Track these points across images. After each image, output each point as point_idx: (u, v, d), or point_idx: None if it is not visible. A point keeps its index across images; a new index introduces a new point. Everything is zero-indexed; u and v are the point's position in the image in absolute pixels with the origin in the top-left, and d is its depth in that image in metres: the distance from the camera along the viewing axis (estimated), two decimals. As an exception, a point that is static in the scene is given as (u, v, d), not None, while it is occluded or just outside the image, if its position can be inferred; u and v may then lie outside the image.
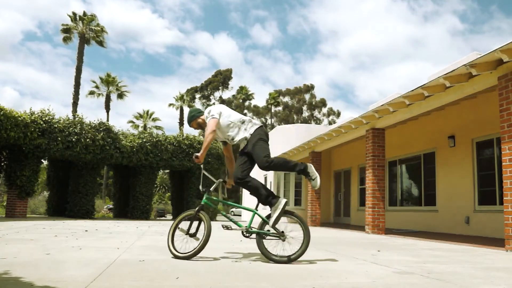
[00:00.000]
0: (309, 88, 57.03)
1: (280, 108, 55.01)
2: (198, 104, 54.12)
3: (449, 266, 3.87)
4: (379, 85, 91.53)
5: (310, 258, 4.30)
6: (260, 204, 4.02)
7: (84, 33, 32.81)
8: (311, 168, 4.04)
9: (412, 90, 7.47)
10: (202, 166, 4.44)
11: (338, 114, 56.27)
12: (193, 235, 3.98)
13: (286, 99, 56.57)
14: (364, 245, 6.08)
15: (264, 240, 3.89)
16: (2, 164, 13.71)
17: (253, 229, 3.91)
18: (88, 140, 14.08)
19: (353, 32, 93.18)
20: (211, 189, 4.19)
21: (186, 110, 48.81)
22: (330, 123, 52.15)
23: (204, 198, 4.13)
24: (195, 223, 4.04)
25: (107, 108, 38.18)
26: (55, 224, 9.66)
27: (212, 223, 4.36)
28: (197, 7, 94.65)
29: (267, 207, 4.03)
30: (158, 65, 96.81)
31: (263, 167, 4.01)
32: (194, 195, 16.50)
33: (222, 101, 55.48)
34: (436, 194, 10.86)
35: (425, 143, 11.47)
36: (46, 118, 13.70)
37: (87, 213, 14.63)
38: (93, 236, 6.52)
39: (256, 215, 4.00)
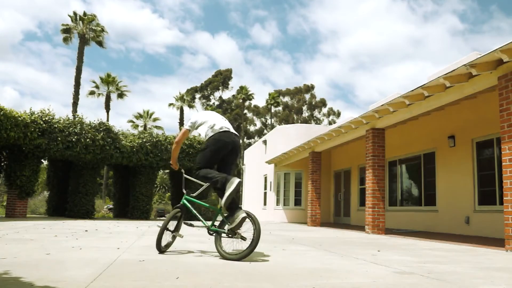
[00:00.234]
0: (309, 88, 57.03)
1: (280, 108, 55.00)
2: (198, 104, 54.16)
3: (449, 266, 3.87)
4: (379, 85, 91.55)
5: (310, 258, 4.30)
6: (224, 203, 4.06)
7: (84, 33, 32.82)
8: (232, 185, 4.01)
9: (412, 90, 7.47)
10: (182, 170, 4.77)
11: (338, 114, 56.29)
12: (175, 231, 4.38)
13: (286, 99, 56.57)
14: (364, 245, 6.08)
15: (222, 238, 4.11)
16: (2, 164, 13.72)
17: (213, 228, 4.15)
18: (88, 140, 14.08)
19: (353, 32, 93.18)
20: (196, 193, 4.46)
21: (186, 110, 48.85)
22: (330, 123, 52.15)
23: (183, 198, 4.44)
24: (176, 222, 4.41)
25: (107, 108, 38.18)
26: (55, 224, 9.66)
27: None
28: (197, 7, 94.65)
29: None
30: (158, 65, 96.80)
31: (195, 175, 4.36)
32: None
33: (222, 101, 55.48)
34: (436, 194, 10.86)
35: (425, 143, 11.48)
36: (46, 118, 13.71)
37: (87, 213, 14.64)
38: (93, 236, 6.52)
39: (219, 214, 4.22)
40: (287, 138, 18.32)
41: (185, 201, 4.43)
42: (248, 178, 24.67)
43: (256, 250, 4.67)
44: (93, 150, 14.23)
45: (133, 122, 44.49)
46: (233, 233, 3.99)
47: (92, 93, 37.99)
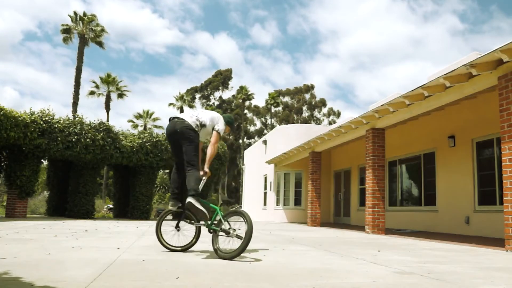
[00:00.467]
0: (309, 88, 57.04)
1: (280, 108, 55.00)
2: (198, 104, 54.14)
3: (449, 266, 3.87)
4: (379, 85, 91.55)
5: (310, 258, 4.30)
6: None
7: (84, 33, 32.81)
8: (192, 204, 4.20)
9: (412, 90, 7.47)
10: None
11: (338, 114, 56.29)
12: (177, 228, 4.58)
13: (286, 99, 56.57)
14: (364, 245, 6.08)
15: (219, 237, 4.18)
16: (2, 164, 13.71)
17: (212, 227, 4.24)
18: (88, 140, 14.08)
19: (353, 32, 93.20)
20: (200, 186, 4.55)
21: (187, 110, 48.78)
22: (330, 123, 52.16)
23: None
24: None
25: (107, 108, 38.18)
26: (55, 224, 9.66)
27: None
28: (197, 7, 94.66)
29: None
30: (158, 65, 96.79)
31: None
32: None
33: (222, 101, 55.47)
34: (436, 194, 10.86)
35: (425, 143, 11.47)
36: (46, 118, 13.70)
37: (87, 213, 14.63)
38: (93, 236, 6.52)
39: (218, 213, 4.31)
40: (287, 138, 18.32)
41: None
42: (248, 178, 24.67)
43: (256, 250, 4.67)
44: (93, 150, 14.22)
45: (133, 122, 44.53)
46: (227, 231, 4.07)
47: (92, 93, 37.99)
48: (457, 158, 10.12)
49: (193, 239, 4.59)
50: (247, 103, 51.58)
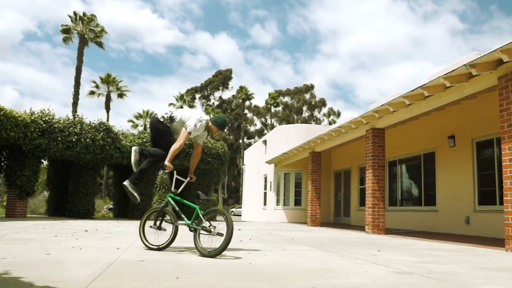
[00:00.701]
0: (309, 88, 57.06)
1: (280, 108, 55.01)
2: (198, 104, 54.16)
3: (449, 266, 3.87)
4: (379, 85, 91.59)
5: (310, 258, 4.30)
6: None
7: (84, 33, 32.81)
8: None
9: (412, 90, 7.47)
10: (174, 171, 4.92)
11: (338, 114, 56.32)
12: (160, 228, 4.65)
13: (286, 99, 56.59)
14: (364, 245, 6.08)
15: (201, 235, 4.24)
16: (2, 164, 13.71)
17: (192, 225, 4.31)
18: (88, 140, 14.08)
19: (353, 32, 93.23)
20: (180, 188, 4.76)
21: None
22: (330, 123, 52.17)
23: (168, 196, 4.81)
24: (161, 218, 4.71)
25: (107, 108, 38.19)
26: (55, 224, 9.66)
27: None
28: (197, 7, 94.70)
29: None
30: (158, 65, 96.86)
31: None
32: (194, 195, 16.50)
33: (222, 101, 55.49)
34: (436, 194, 10.86)
35: (425, 143, 11.47)
36: (46, 118, 13.70)
37: (87, 213, 14.63)
38: (93, 236, 6.52)
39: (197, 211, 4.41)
40: (287, 138, 18.32)
41: (170, 199, 4.74)
42: (248, 178, 24.67)
43: (256, 250, 4.67)
44: (93, 150, 14.22)
45: (133, 122, 44.55)
46: (208, 230, 4.12)
47: (92, 93, 38.00)
48: (457, 158, 10.12)
49: (169, 238, 4.56)
50: (247, 103, 51.59)
